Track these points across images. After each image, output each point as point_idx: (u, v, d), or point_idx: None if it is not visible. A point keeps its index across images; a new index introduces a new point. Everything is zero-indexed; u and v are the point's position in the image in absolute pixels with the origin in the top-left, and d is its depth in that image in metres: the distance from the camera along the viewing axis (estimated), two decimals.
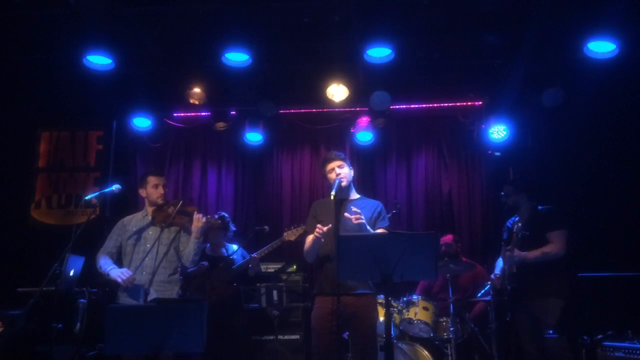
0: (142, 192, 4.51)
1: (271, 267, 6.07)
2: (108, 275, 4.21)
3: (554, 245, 4.45)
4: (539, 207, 4.68)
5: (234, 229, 5.64)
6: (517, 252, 4.47)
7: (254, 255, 5.30)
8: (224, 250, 5.41)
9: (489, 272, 5.67)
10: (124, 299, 4.25)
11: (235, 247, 5.56)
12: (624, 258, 5.10)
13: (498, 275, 4.71)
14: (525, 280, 4.47)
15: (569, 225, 4.54)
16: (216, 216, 5.49)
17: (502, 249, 4.74)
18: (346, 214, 3.73)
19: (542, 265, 4.42)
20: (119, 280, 4.14)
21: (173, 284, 4.35)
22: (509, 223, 4.85)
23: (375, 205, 4.03)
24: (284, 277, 5.99)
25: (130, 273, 4.17)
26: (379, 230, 3.90)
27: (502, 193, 4.81)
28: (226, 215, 5.63)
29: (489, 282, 5.29)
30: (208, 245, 5.52)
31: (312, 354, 3.88)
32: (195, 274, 5.19)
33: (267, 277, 5.68)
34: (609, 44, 4.84)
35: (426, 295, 5.61)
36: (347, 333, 4.15)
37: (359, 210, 3.72)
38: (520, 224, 4.49)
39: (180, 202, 4.38)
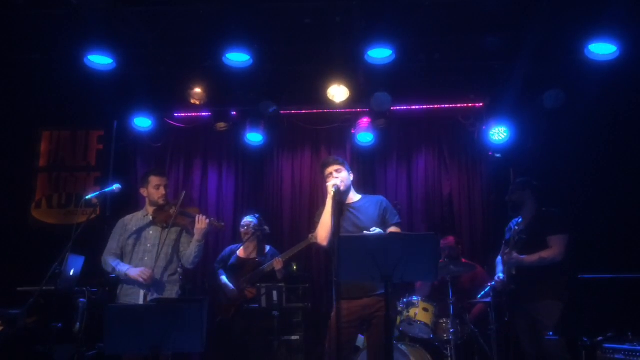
0: (143, 192, 4.51)
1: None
2: (126, 274, 4.22)
3: (552, 250, 4.44)
4: (543, 209, 4.67)
5: (267, 230, 5.67)
6: (514, 254, 4.47)
7: (279, 257, 5.31)
8: (260, 254, 5.49)
9: (489, 273, 5.67)
10: (123, 299, 4.26)
11: (267, 248, 5.58)
12: (624, 260, 5.10)
13: (502, 279, 4.69)
14: (523, 282, 4.48)
15: (570, 230, 4.53)
16: (255, 219, 5.55)
17: (502, 249, 4.75)
18: None
19: (540, 267, 4.43)
20: (141, 280, 4.15)
21: (173, 284, 4.36)
22: (512, 224, 4.84)
23: (380, 201, 4.03)
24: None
25: (150, 271, 4.17)
26: (392, 229, 3.89)
27: (509, 191, 4.80)
28: (258, 216, 5.67)
29: (489, 284, 5.29)
30: (240, 246, 5.56)
31: (323, 353, 3.89)
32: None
33: (294, 278, 5.68)
34: (610, 46, 4.84)
35: (426, 296, 5.61)
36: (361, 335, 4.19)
37: None
38: (519, 228, 4.48)
39: (181, 201, 4.38)
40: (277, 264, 5.28)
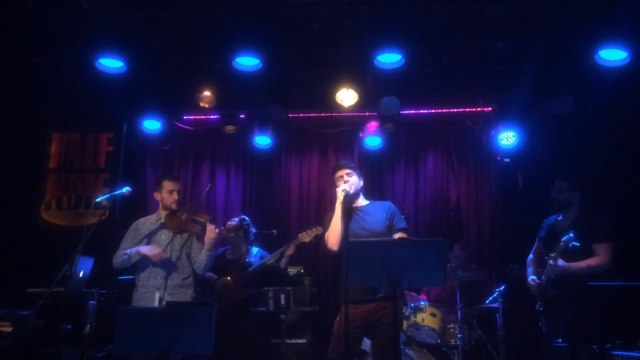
0: (157, 196, 4.54)
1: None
2: (138, 252, 4.28)
3: (600, 259, 4.15)
4: (588, 212, 4.36)
5: (254, 231, 5.60)
6: (561, 261, 4.12)
7: (268, 257, 5.28)
8: (248, 255, 5.41)
9: (496, 278, 5.67)
10: (138, 302, 4.29)
11: (255, 249, 5.57)
12: (633, 267, 5.06)
13: (538, 282, 4.38)
14: (562, 289, 4.22)
15: (615, 238, 4.25)
16: (237, 219, 5.52)
17: (536, 246, 4.56)
18: None
19: (583, 275, 4.15)
20: (149, 253, 4.22)
21: (187, 287, 4.39)
22: (549, 221, 4.55)
23: (387, 206, 4.03)
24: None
25: (159, 248, 4.25)
26: (399, 235, 3.87)
27: (554, 187, 4.45)
28: (246, 218, 5.63)
29: (496, 290, 5.29)
30: (229, 247, 5.54)
31: (325, 357, 3.87)
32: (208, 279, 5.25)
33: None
34: (621, 52, 4.82)
35: (438, 301, 5.61)
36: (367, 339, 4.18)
37: None
38: (571, 234, 4.07)
39: (192, 209, 4.42)
40: (271, 259, 5.18)
